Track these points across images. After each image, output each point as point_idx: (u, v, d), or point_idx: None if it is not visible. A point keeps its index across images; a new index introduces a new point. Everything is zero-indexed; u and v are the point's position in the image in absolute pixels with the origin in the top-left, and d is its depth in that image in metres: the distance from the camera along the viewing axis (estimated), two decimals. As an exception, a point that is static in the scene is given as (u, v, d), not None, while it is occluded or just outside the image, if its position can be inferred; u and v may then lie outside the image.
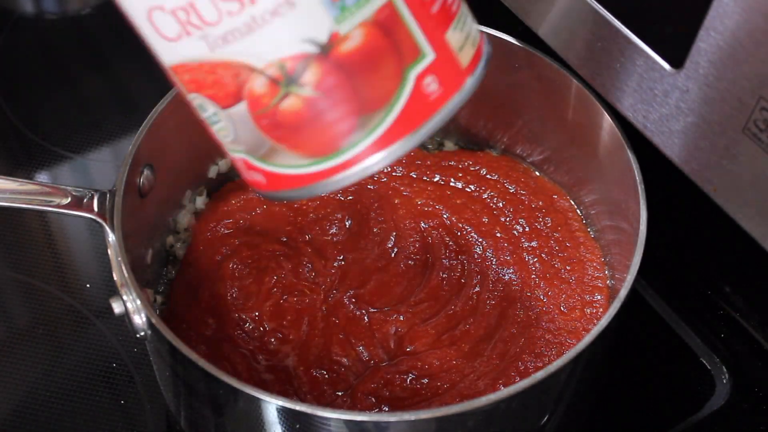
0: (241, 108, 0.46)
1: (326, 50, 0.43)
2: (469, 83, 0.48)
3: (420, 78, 0.46)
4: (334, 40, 0.43)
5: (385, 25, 0.44)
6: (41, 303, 0.85)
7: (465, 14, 0.50)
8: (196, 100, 0.47)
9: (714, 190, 0.58)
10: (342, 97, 0.45)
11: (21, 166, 0.96)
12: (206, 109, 0.47)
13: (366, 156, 0.46)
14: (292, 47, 0.43)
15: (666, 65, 0.57)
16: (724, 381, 0.77)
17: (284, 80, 0.44)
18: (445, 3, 0.48)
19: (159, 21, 0.44)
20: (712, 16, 0.52)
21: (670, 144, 0.60)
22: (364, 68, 0.44)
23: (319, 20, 0.43)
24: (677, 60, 0.56)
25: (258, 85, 0.44)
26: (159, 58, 0.46)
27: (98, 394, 0.79)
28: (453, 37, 0.48)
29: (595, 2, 0.61)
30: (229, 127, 0.47)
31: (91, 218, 0.65)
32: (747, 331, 0.77)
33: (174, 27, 0.44)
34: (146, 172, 0.71)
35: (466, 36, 0.49)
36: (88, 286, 0.86)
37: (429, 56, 0.46)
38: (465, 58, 0.48)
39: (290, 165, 0.47)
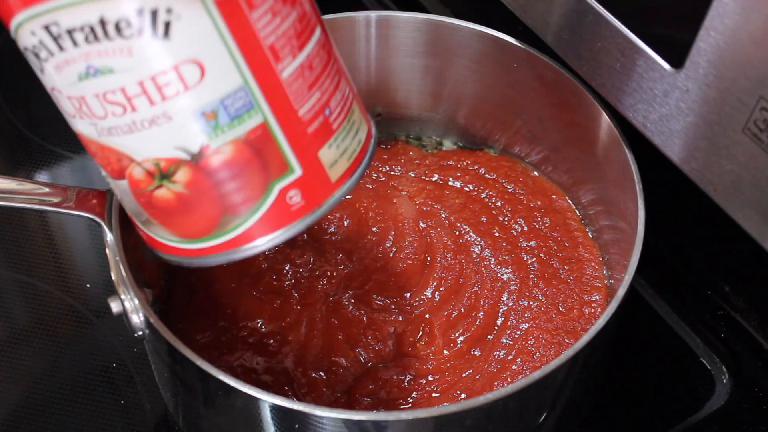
0: (124, 183, 0.52)
1: (196, 159, 0.49)
2: (336, 196, 0.53)
3: (284, 191, 0.51)
4: (204, 151, 0.49)
5: (256, 143, 0.50)
6: (41, 303, 0.85)
7: (350, 127, 0.55)
8: (94, 159, 0.54)
9: (714, 190, 0.58)
10: (208, 198, 0.51)
11: (21, 166, 0.96)
12: (101, 171, 0.54)
13: (225, 248, 0.52)
14: (166, 151, 0.50)
15: (666, 65, 0.57)
16: (724, 381, 0.77)
17: (158, 175, 0.51)
18: (325, 121, 0.52)
19: (58, 99, 0.51)
20: (712, 16, 0.52)
21: (670, 144, 0.60)
22: (230, 178, 0.50)
23: (193, 134, 0.49)
24: (677, 60, 0.56)
25: (136, 173, 0.51)
26: None
27: (98, 394, 0.79)
28: (326, 154, 0.52)
29: (595, 2, 0.61)
30: (116, 192, 0.55)
31: (89, 217, 0.65)
32: (747, 331, 0.77)
33: (70, 108, 0.50)
34: None
35: (343, 151, 0.54)
36: (88, 286, 0.85)
37: (296, 172, 0.51)
38: (336, 172, 0.53)
39: (163, 237, 0.54)
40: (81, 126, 0.51)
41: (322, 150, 0.52)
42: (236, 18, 0.48)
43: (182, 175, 0.50)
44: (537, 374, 0.57)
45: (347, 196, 0.56)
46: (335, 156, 0.53)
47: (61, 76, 0.49)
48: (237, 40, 0.48)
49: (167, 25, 0.46)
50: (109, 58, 0.47)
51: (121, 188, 0.53)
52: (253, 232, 0.52)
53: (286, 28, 0.50)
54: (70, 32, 0.47)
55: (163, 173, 0.50)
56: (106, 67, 0.47)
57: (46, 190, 0.67)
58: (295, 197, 0.52)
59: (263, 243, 0.52)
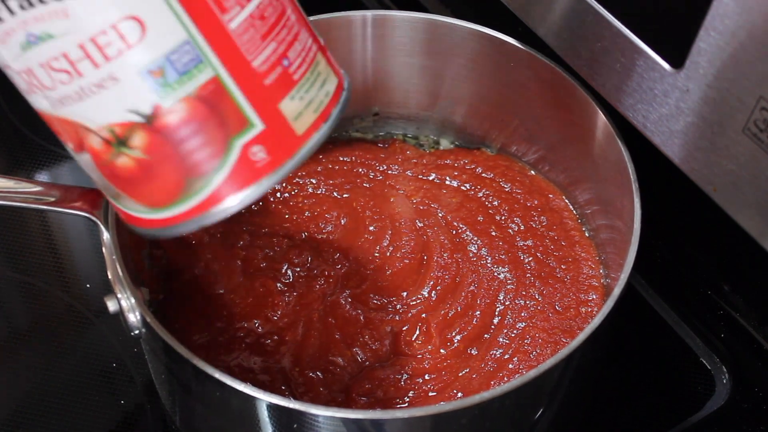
0: (87, 157, 0.51)
1: (150, 121, 0.48)
2: (304, 150, 0.52)
3: (247, 146, 0.50)
4: (157, 112, 0.48)
5: (210, 99, 0.48)
6: (41, 303, 0.85)
7: (314, 78, 0.53)
8: (59, 138, 0.53)
9: (714, 190, 0.58)
10: (168, 161, 0.49)
11: (21, 166, 0.96)
12: (67, 148, 0.53)
13: (195, 213, 0.51)
14: (118, 116, 0.48)
15: (666, 65, 0.57)
16: (724, 381, 0.77)
17: (116, 142, 0.49)
18: (284, 73, 0.51)
19: (12, 76, 0.50)
20: (712, 16, 0.52)
21: (670, 144, 0.60)
22: (188, 137, 0.49)
23: (142, 94, 0.48)
24: (677, 60, 0.56)
25: (95, 143, 0.50)
26: None
27: (98, 394, 0.79)
28: (288, 106, 0.51)
29: (595, 2, 0.61)
30: (85, 169, 0.53)
31: (85, 216, 0.65)
32: (747, 331, 0.77)
33: (22, 84, 0.50)
34: None
35: (308, 103, 0.52)
36: (88, 286, 0.85)
37: (257, 127, 0.50)
38: (302, 125, 0.51)
39: (134, 209, 0.53)
40: (36, 101, 0.50)
41: (284, 102, 0.50)
42: None
43: (139, 140, 0.49)
44: (532, 373, 0.57)
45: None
46: (299, 108, 0.51)
47: (6, 49, 0.48)
48: None
49: None
50: (46, 23, 0.46)
51: (85, 162, 0.52)
52: (221, 193, 0.50)
53: None
54: (3, 0, 0.46)
55: (120, 139, 0.49)
56: (45, 33, 0.47)
57: (43, 188, 0.67)
58: (259, 153, 0.50)
59: (233, 204, 0.50)
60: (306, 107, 0.52)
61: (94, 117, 0.49)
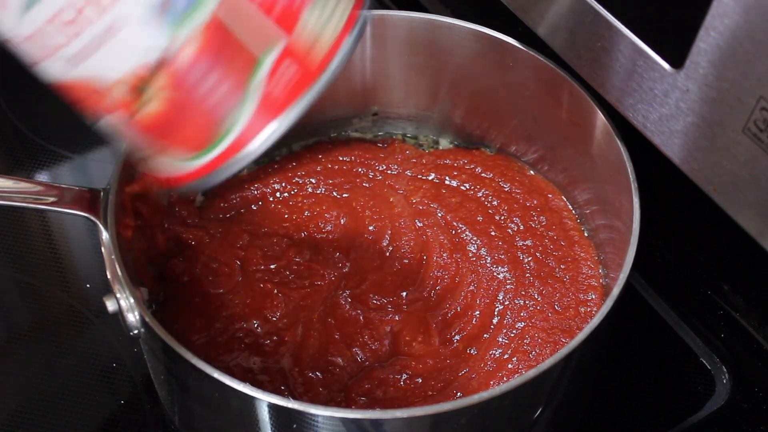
0: (113, 118, 0.49)
1: (171, 55, 0.46)
2: (336, 62, 0.48)
3: (277, 64, 0.47)
4: (175, 45, 0.45)
5: (229, 21, 0.45)
6: (41, 303, 0.85)
7: None
8: (86, 113, 0.51)
9: (714, 190, 0.58)
10: (199, 92, 0.46)
11: (21, 166, 0.96)
12: (88, 117, 0.51)
13: (240, 147, 0.48)
14: (136, 59, 0.46)
15: (666, 65, 0.57)
16: (724, 381, 0.77)
17: (140, 87, 0.47)
18: None
19: (19, 48, 0.49)
20: (712, 16, 0.52)
21: (670, 144, 0.60)
22: (214, 64, 0.46)
23: (155, 30, 0.45)
24: (677, 60, 0.56)
25: (120, 95, 0.48)
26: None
27: (98, 394, 0.79)
28: (310, 19, 0.48)
29: (595, 2, 0.61)
30: (118, 134, 0.51)
31: (85, 216, 0.65)
32: (747, 331, 0.77)
33: (34, 51, 0.48)
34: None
35: (328, 16, 0.48)
36: (88, 286, 0.86)
37: (282, 42, 0.46)
38: (325, 43, 0.48)
39: (175, 162, 0.50)
40: (50, 68, 0.48)
41: (303, 16, 0.47)
42: None
43: (163, 79, 0.46)
44: (531, 373, 0.57)
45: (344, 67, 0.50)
46: (322, 20, 0.48)
47: (8, 15, 0.46)
48: None
49: None
50: None
51: (113, 125, 0.49)
52: (260, 119, 0.47)
53: None
54: None
55: (144, 84, 0.47)
56: None
57: (42, 188, 0.67)
58: (289, 69, 0.47)
59: (276, 127, 0.47)
60: (331, 14, 0.48)
61: (114, 66, 0.47)
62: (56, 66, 0.48)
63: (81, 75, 0.48)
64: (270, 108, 0.47)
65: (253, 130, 0.48)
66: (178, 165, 0.50)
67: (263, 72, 0.47)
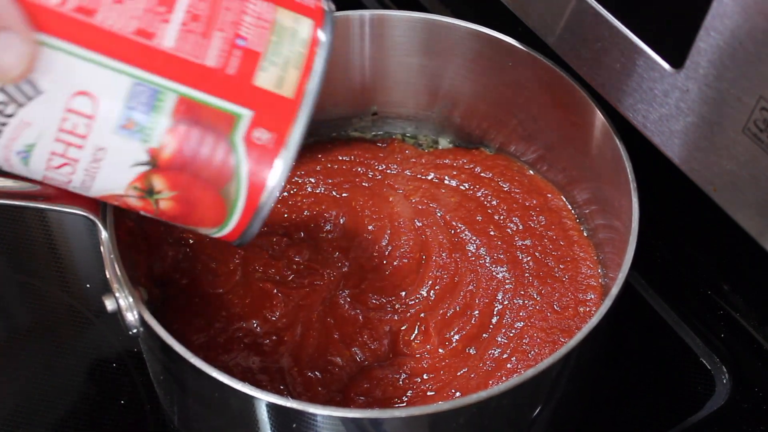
0: (142, 212, 0.55)
1: (155, 163, 0.50)
2: (304, 109, 0.51)
3: (248, 137, 0.50)
4: (154, 154, 0.50)
5: (189, 116, 0.49)
6: (41, 303, 0.85)
7: (281, 36, 0.51)
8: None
9: (714, 190, 0.58)
10: (195, 184, 0.51)
11: (21, 166, 0.96)
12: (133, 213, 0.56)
13: (252, 212, 0.53)
14: (130, 174, 0.51)
15: (666, 65, 0.57)
16: (724, 381, 0.76)
17: (146, 194, 0.52)
18: (245, 52, 0.50)
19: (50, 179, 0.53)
20: (712, 16, 0.52)
21: (670, 144, 0.60)
22: (194, 156, 0.50)
23: (132, 147, 0.50)
24: (677, 60, 0.56)
25: (133, 203, 0.53)
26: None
27: (98, 394, 0.79)
28: (265, 78, 0.50)
29: (595, 2, 0.61)
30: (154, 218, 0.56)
31: (84, 215, 0.65)
32: (747, 331, 0.77)
33: (54, 182, 0.53)
34: None
35: (284, 63, 0.51)
36: (88, 286, 0.85)
37: (246, 115, 0.50)
38: (289, 87, 0.51)
39: (208, 233, 0.55)
40: (75, 191, 0.54)
41: (257, 78, 0.50)
42: (81, 33, 0.47)
43: (159, 183, 0.51)
44: (530, 372, 0.57)
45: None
46: (278, 72, 0.50)
47: (18, 168, 0.52)
48: (96, 50, 0.47)
49: (32, 83, 0.47)
50: (21, 137, 0.49)
51: (148, 216, 0.55)
52: (259, 180, 0.51)
53: (140, 4, 0.48)
54: None
55: (146, 190, 0.52)
56: (27, 145, 0.49)
57: (42, 187, 0.66)
58: (263, 135, 0.50)
59: (277, 180, 0.51)
60: (285, 67, 0.51)
61: (114, 185, 0.52)
62: (79, 189, 0.53)
63: (95, 195, 0.53)
64: (261, 168, 0.51)
65: (257, 190, 0.51)
66: (213, 233, 0.55)
67: (241, 147, 0.50)
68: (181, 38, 0.49)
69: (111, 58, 0.48)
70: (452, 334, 0.73)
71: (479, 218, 0.79)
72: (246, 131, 0.50)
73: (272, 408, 0.58)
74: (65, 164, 0.50)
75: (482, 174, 0.82)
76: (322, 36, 0.52)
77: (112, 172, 0.51)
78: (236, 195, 0.52)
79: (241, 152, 0.50)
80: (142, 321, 0.61)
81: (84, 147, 0.49)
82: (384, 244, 0.78)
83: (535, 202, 0.80)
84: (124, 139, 0.49)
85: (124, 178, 0.51)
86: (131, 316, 0.62)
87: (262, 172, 0.51)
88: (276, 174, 0.51)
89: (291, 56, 0.51)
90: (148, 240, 0.74)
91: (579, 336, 0.59)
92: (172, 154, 0.50)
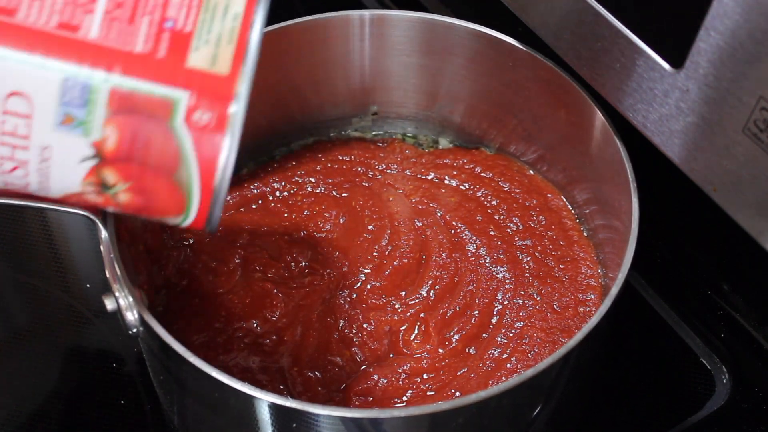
0: (109, 209, 0.55)
1: (101, 156, 0.50)
2: (241, 84, 0.50)
3: (188, 119, 0.49)
4: (98, 146, 0.49)
5: (125, 105, 0.49)
6: (41, 303, 0.85)
7: (210, 13, 0.50)
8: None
9: (714, 190, 0.58)
10: (147, 174, 0.50)
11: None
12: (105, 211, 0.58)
13: (210, 193, 0.51)
14: (80, 171, 0.50)
15: (666, 65, 0.57)
16: (724, 381, 0.76)
17: (102, 189, 0.51)
18: (174, 34, 0.49)
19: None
20: (712, 16, 0.52)
21: (670, 144, 0.60)
22: (139, 145, 0.49)
23: (75, 142, 0.49)
24: (677, 60, 0.56)
25: (93, 199, 0.53)
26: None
27: (98, 394, 0.79)
28: (198, 58, 0.49)
29: (595, 2, 0.61)
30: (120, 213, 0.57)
31: (83, 215, 0.65)
32: (747, 331, 0.77)
33: (16, 185, 0.53)
34: None
35: (217, 40, 0.50)
36: (88, 286, 0.85)
37: (183, 98, 0.49)
38: (223, 63, 0.49)
39: (177, 223, 0.54)
40: (36, 192, 0.53)
41: (190, 59, 0.49)
42: (3, 33, 0.47)
43: (111, 176, 0.51)
44: (529, 372, 0.57)
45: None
46: (211, 52, 0.49)
47: None
48: (21, 48, 0.47)
49: None
50: None
51: (113, 212, 0.56)
52: (208, 162, 0.50)
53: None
54: None
55: (101, 185, 0.51)
56: None
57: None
58: (203, 116, 0.49)
59: (226, 159, 0.50)
60: (217, 45, 0.50)
61: (69, 183, 0.51)
62: (38, 193, 0.53)
63: (57, 195, 0.52)
64: (208, 149, 0.50)
65: (210, 170, 0.50)
66: (181, 222, 0.54)
67: (183, 131, 0.49)
68: (106, 27, 0.48)
69: (37, 55, 0.47)
70: (452, 334, 0.73)
71: (479, 218, 0.79)
72: (185, 114, 0.49)
73: (272, 408, 0.58)
74: (16, 167, 0.50)
75: (482, 174, 0.82)
76: (257, 6, 0.51)
77: (63, 170, 0.50)
78: (189, 180, 0.51)
79: (184, 136, 0.49)
80: (142, 321, 0.61)
81: (29, 148, 0.49)
82: (384, 243, 0.78)
83: (535, 202, 0.80)
84: (65, 135, 0.49)
85: (76, 175, 0.51)
86: (131, 316, 0.62)
87: (209, 154, 0.50)
88: (224, 154, 0.50)
89: (223, 32, 0.49)
90: (149, 249, 0.74)
91: (579, 336, 0.59)
92: (115, 145, 0.49)
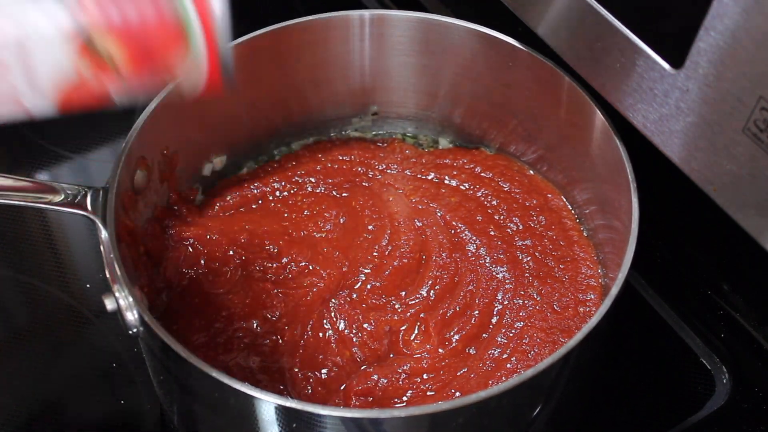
0: (112, 88, 0.52)
1: (83, 25, 0.48)
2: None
3: None
4: (76, 14, 0.47)
5: None
6: (41, 303, 0.85)
7: None
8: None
9: (714, 190, 0.58)
10: (137, 28, 0.49)
11: (21, 166, 0.96)
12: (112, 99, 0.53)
13: (210, 34, 0.50)
14: (68, 47, 0.48)
15: (666, 65, 0.57)
16: (724, 381, 0.77)
17: (100, 57, 0.49)
18: None
19: None
20: (712, 16, 0.52)
21: (670, 144, 0.60)
22: None
23: (53, 16, 0.47)
24: (677, 60, 0.56)
25: (98, 79, 0.50)
26: None
27: (98, 394, 0.79)
28: None
29: (595, 2, 0.61)
30: (129, 97, 0.53)
31: (83, 215, 0.65)
32: (747, 331, 0.77)
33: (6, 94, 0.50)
34: (139, 170, 0.71)
35: None
36: (88, 286, 0.86)
37: None
38: None
39: (192, 77, 0.52)
40: (30, 94, 0.51)
41: None
42: None
43: (102, 40, 0.49)
44: (529, 372, 0.57)
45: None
46: None
47: None
48: None
49: None
50: None
51: (118, 92, 0.53)
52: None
53: None
54: None
55: (97, 54, 0.49)
56: None
57: (42, 187, 0.67)
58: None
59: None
60: None
61: (62, 67, 0.49)
62: (33, 94, 0.50)
63: (54, 89, 0.50)
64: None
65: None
66: (196, 71, 0.51)
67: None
68: None
69: None
70: (452, 334, 0.73)
71: (479, 218, 0.79)
72: None
73: (272, 408, 0.58)
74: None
75: (482, 174, 0.82)
76: None
77: (49, 54, 0.48)
78: (184, 11, 0.49)
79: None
80: (142, 321, 0.61)
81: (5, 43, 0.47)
82: (384, 243, 0.78)
83: (535, 202, 0.80)
84: (41, 10, 0.47)
85: (65, 54, 0.48)
86: (131, 316, 0.62)
87: None
88: None
89: None
90: (149, 251, 0.74)
91: (579, 336, 0.59)
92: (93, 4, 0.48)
